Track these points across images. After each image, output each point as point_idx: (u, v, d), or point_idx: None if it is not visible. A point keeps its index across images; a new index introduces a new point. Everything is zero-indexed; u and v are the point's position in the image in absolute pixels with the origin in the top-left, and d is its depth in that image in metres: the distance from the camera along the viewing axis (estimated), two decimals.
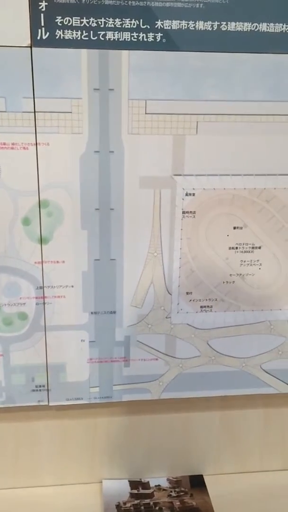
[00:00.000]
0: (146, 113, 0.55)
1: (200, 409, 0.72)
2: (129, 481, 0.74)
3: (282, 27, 0.54)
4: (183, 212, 0.60)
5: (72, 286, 0.61)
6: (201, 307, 0.64)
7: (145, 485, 0.74)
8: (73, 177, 0.57)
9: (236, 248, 0.62)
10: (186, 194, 0.59)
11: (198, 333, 0.65)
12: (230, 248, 0.62)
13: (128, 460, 0.73)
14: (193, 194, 0.59)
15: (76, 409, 0.68)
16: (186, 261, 0.62)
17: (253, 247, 0.62)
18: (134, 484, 0.74)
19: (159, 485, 0.74)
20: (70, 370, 0.64)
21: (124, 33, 0.52)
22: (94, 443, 0.72)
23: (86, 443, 0.72)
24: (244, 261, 0.62)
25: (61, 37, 0.52)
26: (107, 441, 0.72)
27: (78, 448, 0.72)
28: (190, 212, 0.60)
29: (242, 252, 0.62)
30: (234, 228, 0.61)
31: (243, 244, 0.62)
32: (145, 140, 0.56)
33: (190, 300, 0.64)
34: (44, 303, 0.61)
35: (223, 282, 0.63)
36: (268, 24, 0.54)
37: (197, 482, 0.74)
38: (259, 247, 0.62)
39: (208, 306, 0.64)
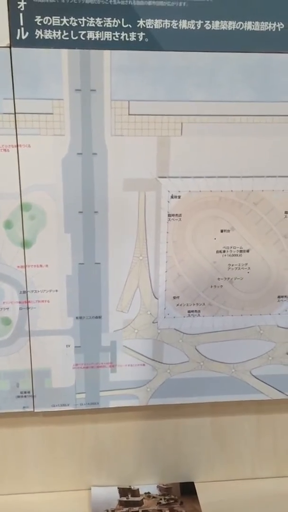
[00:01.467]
0: (129, 114, 0.54)
1: (190, 415, 0.70)
2: (118, 488, 0.73)
3: (268, 25, 0.53)
4: (169, 215, 0.58)
5: (57, 291, 0.60)
6: (189, 311, 0.63)
7: (135, 493, 0.73)
8: (56, 180, 0.56)
9: (224, 251, 0.61)
10: (172, 197, 0.58)
11: (186, 338, 0.64)
12: (217, 251, 0.61)
13: (117, 466, 0.72)
14: (179, 197, 0.58)
15: (64, 415, 0.67)
16: (173, 265, 0.61)
17: (241, 251, 0.61)
18: (123, 491, 0.73)
19: (148, 493, 0.72)
20: (56, 376, 0.63)
21: (105, 32, 0.51)
22: (82, 450, 0.71)
23: (74, 449, 0.70)
24: (232, 265, 0.61)
25: (41, 37, 0.51)
26: (95, 448, 0.71)
27: (66, 454, 0.71)
28: (176, 215, 0.59)
29: (230, 255, 0.61)
30: (222, 231, 0.60)
31: (231, 247, 0.61)
32: (129, 141, 0.55)
33: (178, 305, 0.62)
34: (28, 308, 0.60)
35: (211, 286, 0.62)
36: (253, 22, 0.53)
37: (188, 490, 0.73)
38: (247, 251, 0.61)
39: (195, 311, 0.63)
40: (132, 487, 0.73)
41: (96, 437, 0.70)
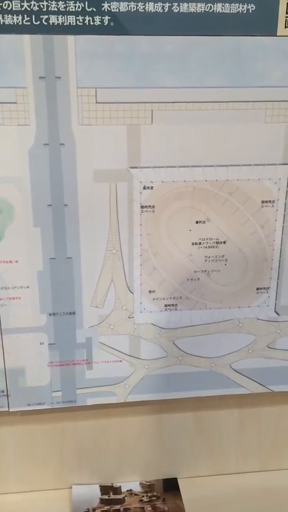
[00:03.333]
0: (96, 102, 0.52)
1: (171, 411, 0.69)
2: (100, 486, 0.71)
3: (239, 7, 0.51)
4: (142, 207, 0.57)
5: (28, 287, 0.58)
6: (166, 305, 0.61)
7: (117, 490, 0.71)
8: (23, 172, 0.54)
9: (200, 243, 0.59)
10: (144, 188, 0.56)
11: (163, 333, 0.62)
12: (193, 243, 0.59)
13: (98, 464, 0.71)
14: (151, 188, 0.56)
15: (41, 413, 0.66)
16: (147, 258, 0.59)
17: (217, 242, 0.59)
18: (105, 489, 0.71)
19: (131, 490, 0.71)
20: (30, 374, 0.61)
21: (68, 16, 0.49)
22: (62, 448, 0.69)
23: (54, 448, 0.69)
24: (209, 257, 0.59)
25: (1, 22, 0.48)
26: (75, 446, 0.69)
27: (46, 453, 0.69)
28: (149, 206, 0.57)
29: (206, 247, 0.59)
30: (197, 222, 0.58)
31: (207, 239, 0.59)
32: (97, 131, 0.53)
33: (154, 299, 0.61)
34: None
35: (188, 279, 0.60)
36: (223, 4, 0.50)
37: (171, 486, 0.72)
38: (224, 242, 0.59)
39: (172, 305, 0.61)
40: (114, 485, 0.72)
41: (76, 435, 0.69)
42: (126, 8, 0.50)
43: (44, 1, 0.48)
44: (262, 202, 0.58)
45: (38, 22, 0.49)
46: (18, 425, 0.67)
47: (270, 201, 0.58)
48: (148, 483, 0.72)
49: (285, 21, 0.52)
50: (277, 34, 0.52)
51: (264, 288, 0.62)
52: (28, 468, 0.69)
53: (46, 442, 0.68)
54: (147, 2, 0.50)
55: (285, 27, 0.52)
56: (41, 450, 0.69)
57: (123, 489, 0.71)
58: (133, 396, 0.64)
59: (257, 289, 0.62)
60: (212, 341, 0.63)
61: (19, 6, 0.48)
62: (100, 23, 0.50)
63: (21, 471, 0.69)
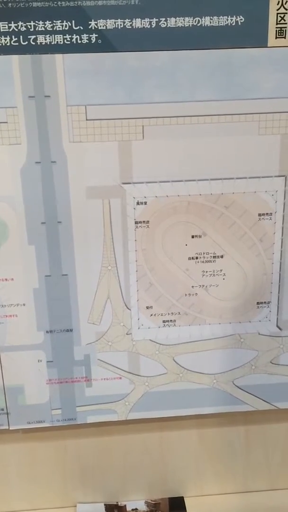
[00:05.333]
0: (87, 120, 0.52)
1: (174, 428, 0.68)
2: (105, 504, 0.70)
3: (227, 20, 0.50)
4: (136, 222, 0.56)
5: (24, 304, 0.58)
6: (164, 321, 0.60)
7: (122, 509, 0.70)
8: (15, 190, 0.54)
9: (196, 258, 0.58)
10: (138, 203, 0.56)
11: (162, 349, 0.61)
12: (189, 258, 0.58)
13: (102, 482, 0.70)
14: (145, 203, 0.56)
15: (43, 431, 0.65)
16: (143, 273, 0.58)
17: (214, 256, 0.58)
18: (110, 508, 0.70)
19: (136, 509, 0.70)
20: (29, 392, 0.61)
21: (56, 36, 0.49)
22: (65, 466, 0.68)
23: (57, 465, 0.68)
24: (206, 272, 0.59)
25: None
26: (79, 463, 0.69)
27: (49, 471, 0.69)
28: (143, 222, 0.56)
29: (203, 262, 0.58)
30: (193, 236, 0.57)
31: (204, 253, 0.58)
32: (89, 148, 0.53)
33: (151, 315, 0.60)
34: None
35: (185, 295, 0.59)
36: (212, 17, 0.50)
37: (177, 505, 0.71)
38: (221, 256, 0.58)
39: (171, 321, 0.60)
40: (119, 504, 0.71)
41: (79, 452, 0.68)
42: (113, 25, 0.50)
43: (31, 22, 0.49)
44: (259, 215, 0.57)
45: (26, 42, 0.49)
46: (20, 443, 0.67)
47: (267, 214, 0.57)
48: (153, 502, 0.71)
49: (276, 31, 0.51)
50: (268, 45, 0.51)
51: (265, 302, 0.60)
52: (31, 486, 0.69)
53: (49, 460, 0.68)
54: (134, 19, 0.50)
55: (276, 37, 0.51)
56: (44, 468, 0.68)
57: (128, 508, 0.70)
58: (134, 414, 0.64)
59: (258, 303, 0.60)
60: (213, 357, 0.62)
61: (6, 27, 0.49)
62: (87, 41, 0.50)
63: (24, 489, 0.69)
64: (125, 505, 0.70)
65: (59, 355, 0.60)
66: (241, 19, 0.50)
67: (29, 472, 0.68)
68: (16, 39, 0.49)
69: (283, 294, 0.60)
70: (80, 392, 0.62)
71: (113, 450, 0.68)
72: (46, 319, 0.59)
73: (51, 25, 0.49)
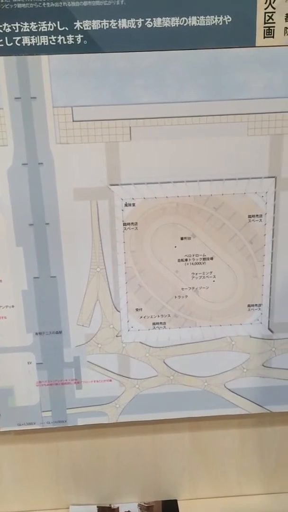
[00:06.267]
0: (73, 121, 0.52)
1: (167, 431, 0.67)
2: (98, 507, 0.70)
3: (214, 19, 0.50)
4: (124, 224, 0.56)
5: (13, 306, 0.58)
6: (154, 323, 0.60)
7: None
8: (3, 192, 0.54)
9: (186, 260, 0.57)
10: (126, 205, 0.55)
11: (152, 352, 0.61)
12: (179, 260, 0.57)
13: (95, 484, 0.70)
14: (133, 204, 0.55)
15: (36, 433, 0.65)
16: (133, 275, 0.58)
17: (204, 258, 0.57)
18: (102, 510, 0.70)
19: (129, 511, 0.70)
20: (19, 394, 0.61)
21: (41, 37, 0.49)
22: (58, 468, 0.68)
23: (50, 467, 0.68)
24: (196, 274, 0.58)
25: None
26: (71, 465, 0.68)
27: (42, 472, 0.68)
28: (132, 223, 0.56)
29: (192, 264, 0.58)
30: (182, 238, 0.57)
31: (193, 255, 0.57)
32: (76, 149, 0.53)
33: (141, 317, 0.59)
34: None
35: (175, 297, 0.59)
36: (198, 17, 0.49)
37: (170, 508, 0.70)
38: (211, 258, 0.58)
39: (161, 323, 0.60)
40: (112, 506, 0.70)
41: (72, 454, 0.68)
42: (98, 26, 0.49)
43: (16, 23, 0.49)
44: (249, 216, 0.56)
45: (11, 44, 0.49)
46: (13, 445, 0.66)
47: (257, 215, 0.56)
48: (146, 505, 0.71)
49: (264, 31, 0.50)
50: (256, 45, 0.51)
51: (256, 305, 0.60)
52: (24, 487, 0.69)
53: (42, 461, 0.68)
54: (119, 19, 0.49)
55: (264, 37, 0.50)
56: (37, 470, 0.68)
57: (121, 510, 0.70)
58: (125, 416, 0.63)
59: (249, 306, 0.60)
60: (204, 360, 0.61)
61: None
62: (73, 42, 0.50)
63: (17, 491, 0.69)
64: (118, 508, 0.70)
65: (48, 357, 0.60)
66: (229, 19, 0.50)
67: (22, 473, 0.68)
68: (1, 40, 0.49)
69: (274, 297, 0.59)
70: (70, 394, 0.62)
71: (106, 453, 0.68)
72: (35, 321, 0.58)
73: (36, 26, 0.49)
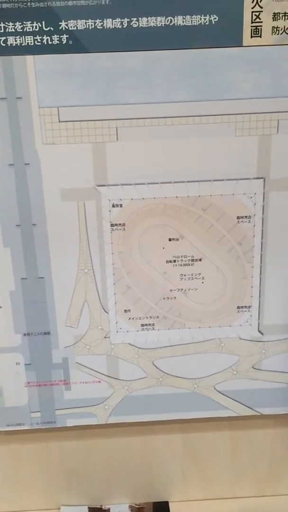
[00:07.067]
0: (59, 121, 0.52)
1: (158, 432, 0.67)
2: (89, 508, 0.70)
3: (201, 19, 0.49)
4: (112, 225, 0.55)
5: (1, 307, 0.58)
6: (142, 325, 0.59)
7: None
8: None
9: (174, 261, 0.57)
10: (113, 206, 0.55)
11: (141, 353, 0.60)
12: (167, 261, 0.57)
13: (86, 485, 0.70)
14: (121, 205, 0.55)
15: (26, 433, 0.65)
16: (121, 276, 0.57)
17: (192, 260, 0.57)
18: (93, 511, 0.70)
19: None
20: (8, 395, 0.61)
21: (26, 37, 0.49)
22: (49, 468, 0.68)
23: (41, 467, 0.68)
24: (185, 275, 0.58)
25: None
26: (62, 466, 0.68)
27: (33, 472, 0.68)
28: (119, 224, 0.56)
29: (181, 265, 0.57)
30: (170, 239, 0.56)
31: (182, 256, 0.57)
32: (62, 149, 0.53)
33: (129, 318, 0.59)
34: None
35: (164, 298, 0.58)
36: (184, 16, 0.49)
37: (162, 509, 0.70)
38: (200, 260, 0.57)
39: (149, 324, 0.59)
40: (103, 507, 0.70)
41: (63, 455, 0.68)
42: (84, 26, 0.49)
43: (1, 23, 0.48)
44: (238, 218, 0.56)
45: None
46: (3, 445, 0.66)
47: (246, 216, 0.56)
48: (138, 506, 0.70)
49: (251, 30, 0.50)
50: (243, 44, 0.50)
51: (245, 306, 0.59)
52: (15, 488, 0.69)
53: (33, 461, 0.68)
54: (105, 19, 0.49)
55: (251, 36, 0.50)
56: (28, 470, 0.68)
57: (112, 511, 0.70)
58: (114, 418, 0.63)
59: (238, 307, 0.59)
60: (194, 362, 0.61)
61: None
62: (58, 42, 0.49)
63: (8, 491, 0.69)
64: (109, 509, 0.70)
65: (37, 358, 0.60)
66: (215, 18, 0.49)
67: (13, 473, 0.68)
68: None
69: (264, 299, 0.59)
70: (59, 395, 0.62)
71: (97, 453, 0.68)
72: (23, 322, 0.58)
73: (21, 26, 0.49)
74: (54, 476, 0.69)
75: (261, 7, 0.49)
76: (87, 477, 0.69)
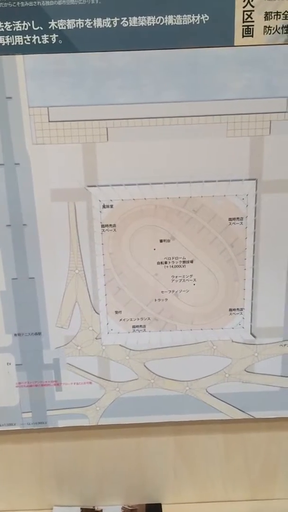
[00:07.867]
0: (49, 121, 0.51)
1: (150, 434, 0.66)
2: (81, 509, 0.70)
3: (191, 18, 0.49)
4: (102, 226, 0.55)
5: None
6: (133, 326, 0.59)
7: None
8: None
9: (166, 262, 0.57)
10: (104, 206, 0.55)
11: (133, 355, 0.60)
12: (158, 262, 0.57)
13: (79, 486, 0.69)
14: (111, 206, 0.55)
15: (18, 433, 0.65)
16: (112, 277, 0.57)
17: (184, 261, 0.57)
18: None
19: None
20: None
21: (15, 36, 0.49)
22: (41, 468, 0.68)
23: (33, 468, 0.68)
24: (176, 277, 0.57)
25: None
26: (55, 466, 0.68)
27: (25, 473, 0.68)
28: (110, 225, 0.55)
29: (172, 267, 0.57)
30: (161, 241, 0.56)
31: (173, 258, 0.56)
32: (52, 150, 0.52)
33: (121, 320, 0.59)
34: None
35: (155, 300, 0.58)
36: (175, 16, 0.48)
37: (154, 511, 0.70)
38: (191, 261, 0.57)
39: (141, 326, 0.59)
40: (95, 508, 0.70)
41: (55, 455, 0.67)
42: (73, 25, 0.49)
43: None
44: (230, 219, 0.55)
45: None
46: None
47: (238, 218, 0.55)
48: (130, 508, 0.70)
49: (243, 30, 0.49)
50: (235, 44, 0.50)
51: (238, 309, 0.58)
52: (7, 487, 0.69)
53: (25, 462, 0.68)
54: (95, 18, 0.48)
55: (243, 36, 0.49)
56: (20, 470, 0.68)
57: None
58: (106, 419, 0.63)
59: (230, 310, 0.59)
60: (185, 364, 0.60)
61: None
62: (48, 42, 0.49)
63: (0, 491, 0.69)
64: (101, 510, 0.70)
65: (28, 359, 0.60)
66: (206, 18, 0.49)
67: (5, 473, 0.68)
68: None
69: (256, 301, 0.58)
70: (50, 396, 0.61)
71: (90, 454, 0.68)
72: (14, 322, 0.58)
73: (11, 25, 0.48)
74: (46, 476, 0.69)
75: (253, 6, 0.48)
76: (79, 478, 0.69)
